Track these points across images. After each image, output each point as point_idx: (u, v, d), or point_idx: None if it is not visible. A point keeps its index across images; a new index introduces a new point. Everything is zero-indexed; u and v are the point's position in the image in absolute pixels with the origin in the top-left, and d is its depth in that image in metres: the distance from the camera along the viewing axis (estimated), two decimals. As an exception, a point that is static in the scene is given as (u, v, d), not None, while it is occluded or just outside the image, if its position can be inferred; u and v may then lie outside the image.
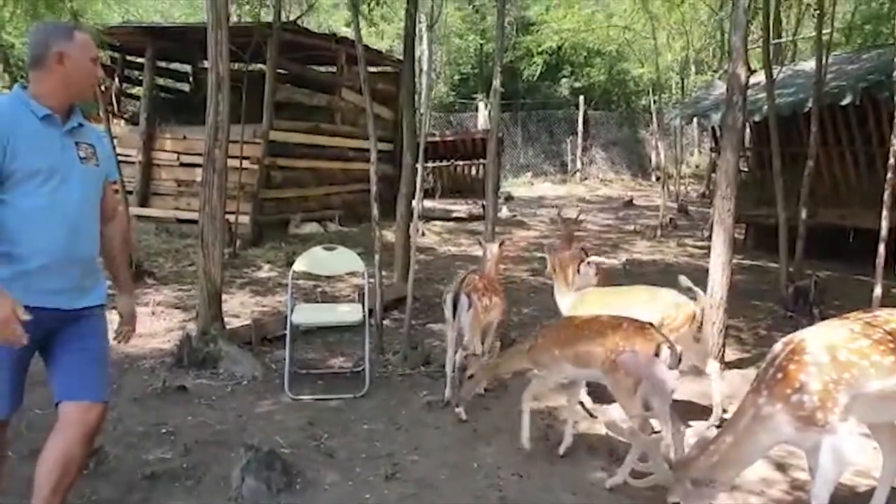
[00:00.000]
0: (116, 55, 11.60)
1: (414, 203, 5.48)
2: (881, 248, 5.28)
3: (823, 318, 6.39)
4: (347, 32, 13.88)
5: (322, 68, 12.46)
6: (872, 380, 2.69)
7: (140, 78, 11.67)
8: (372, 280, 5.28)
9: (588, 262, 4.94)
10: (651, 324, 3.63)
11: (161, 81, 12.60)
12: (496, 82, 5.54)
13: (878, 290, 5.24)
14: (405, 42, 7.04)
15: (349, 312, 4.83)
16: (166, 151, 10.45)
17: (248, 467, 3.25)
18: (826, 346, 2.74)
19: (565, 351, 3.58)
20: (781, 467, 3.69)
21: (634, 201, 16.74)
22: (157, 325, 5.94)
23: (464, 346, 4.22)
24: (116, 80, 11.53)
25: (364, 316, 4.64)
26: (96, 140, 2.62)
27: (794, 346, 2.78)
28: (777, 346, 2.85)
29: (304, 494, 3.26)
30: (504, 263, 6.55)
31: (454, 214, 12.58)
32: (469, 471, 3.53)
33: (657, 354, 3.36)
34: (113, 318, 2.78)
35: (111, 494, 3.20)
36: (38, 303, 2.37)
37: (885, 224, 5.34)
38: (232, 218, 8.65)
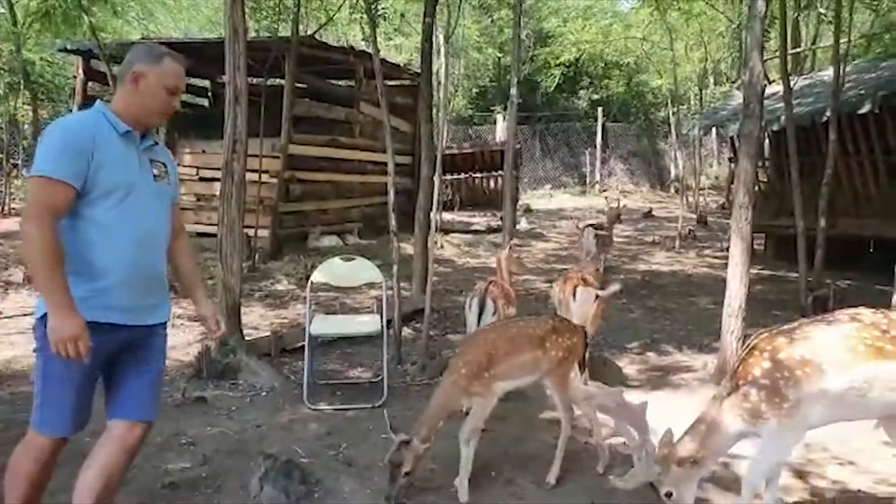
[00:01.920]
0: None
1: (432, 215, 5.51)
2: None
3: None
4: (366, 46, 14.02)
5: (341, 82, 12.58)
6: (827, 378, 2.70)
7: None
8: (390, 291, 5.31)
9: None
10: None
11: (183, 97, 12.77)
12: (513, 91, 5.58)
13: None
14: (422, 54, 7.11)
15: (367, 323, 4.86)
16: (185, 166, 10.55)
17: (266, 476, 3.27)
18: (782, 342, 2.79)
19: (498, 369, 3.43)
20: (801, 475, 3.65)
21: (654, 213, 16.66)
22: (178, 337, 6.00)
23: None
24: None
25: (382, 326, 4.66)
26: (167, 160, 2.66)
27: (756, 341, 2.87)
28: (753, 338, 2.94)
29: (322, 503, 3.28)
30: (518, 273, 6.53)
31: (473, 227, 12.61)
32: (486, 480, 3.52)
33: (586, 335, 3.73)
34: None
35: (132, 502, 3.23)
36: (112, 319, 2.42)
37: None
38: (251, 231, 8.76)
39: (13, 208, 13.62)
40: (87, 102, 10.47)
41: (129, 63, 2.48)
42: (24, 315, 6.47)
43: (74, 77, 11.99)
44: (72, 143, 2.33)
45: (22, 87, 14.82)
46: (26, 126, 15.41)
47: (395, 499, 3.19)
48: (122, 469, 2.55)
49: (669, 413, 3.64)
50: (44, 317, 2.32)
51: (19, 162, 15.87)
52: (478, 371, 3.37)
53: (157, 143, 2.62)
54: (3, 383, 4.84)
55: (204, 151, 10.35)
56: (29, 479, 2.47)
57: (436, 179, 5.39)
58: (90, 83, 11.23)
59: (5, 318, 6.53)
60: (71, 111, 11.70)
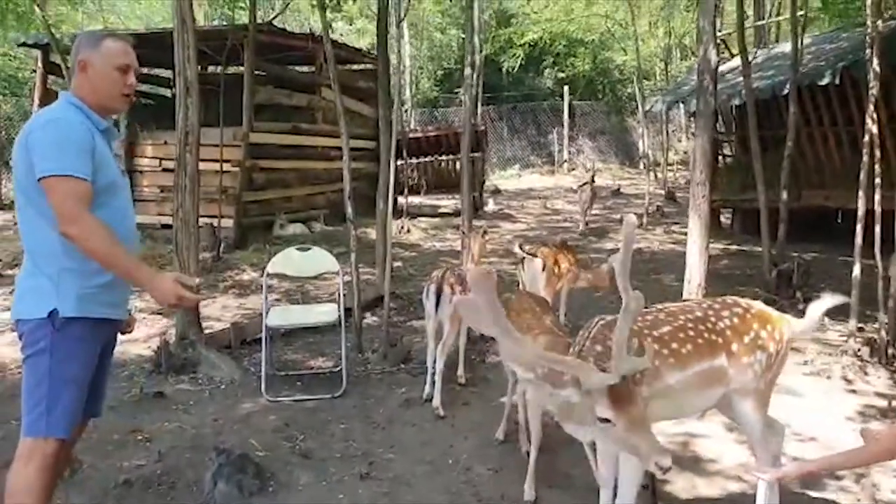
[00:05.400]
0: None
1: (390, 199, 5.45)
2: (858, 227, 5.28)
3: (807, 301, 6.49)
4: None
5: (302, 68, 12.40)
6: (672, 370, 2.53)
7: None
8: (348, 279, 5.26)
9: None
10: None
11: (144, 88, 12.52)
12: (468, 71, 5.52)
13: (857, 270, 5.24)
14: (378, 36, 6.99)
15: (325, 313, 4.81)
16: (148, 158, 10.40)
17: (219, 471, 3.24)
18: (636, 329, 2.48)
19: None
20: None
21: (622, 190, 16.72)
22: (139, 331, 5.87)
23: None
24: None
25: (340, 316, 4.61)
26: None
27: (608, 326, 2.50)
28: (593, 323, 2.59)
29: (276, 497, 3.25)
30: (485, 256, 6.53)
31: (440, 210, 12.54)
32: (444, 467, 3.52)
33: None
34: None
35: (84, 502, 3.19)
36: (112, 315, 2.47)
37: (861, 204, 5.34)
38: (215, 222, 8.64)
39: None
40: (47, 96, 10.23)
41: (74, 54, 2.47)
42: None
43: (34, 71, 11.69)
44: (78, 140, 2.30)
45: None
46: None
47: None
48: None
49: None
50: (51, 314, 2.31)
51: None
52: None
53: (118, 134, 2.60)
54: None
55: (166, 142, 10.12)
56: (43, 493, 2.36)
57: (392, 163, 5.31)
58: (50, 77, 10.94)
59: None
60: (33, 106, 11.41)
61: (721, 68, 10.73)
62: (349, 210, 5.32)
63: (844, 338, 5.23)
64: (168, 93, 13.30)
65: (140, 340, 5.61)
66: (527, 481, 3.22)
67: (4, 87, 15.68)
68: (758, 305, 2.88)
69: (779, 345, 2.75)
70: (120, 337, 2.87)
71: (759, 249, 8.16)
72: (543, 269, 5.14)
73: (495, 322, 2.15)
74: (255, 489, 3.23)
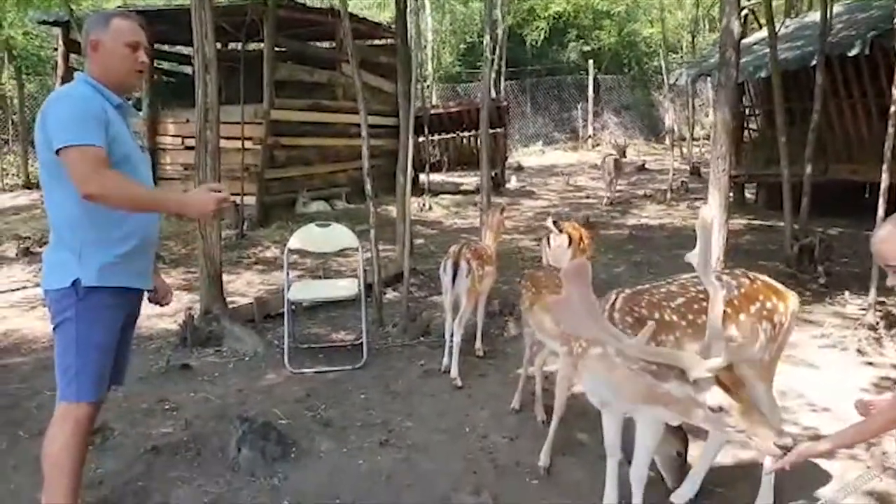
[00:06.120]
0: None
1: (409, 175, 5.49)
2: (881, 201, 5.21)
3: (828, 275, 6.44)
4: (350, 6, 13.75)
5: (324, 44, 12.39)
6: (691, 341, 2.51)
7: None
8: (368, 254, 5.34)
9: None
10: None
11: (165, 65, 12.61)
12: (486, 39, 5.49)
13: (877, 246, 5.17)
14: (397, 10, 6.95)
15: (345, 287, 4.91)
16: (170, 136, 10.53)
17: (243, 438, 3.35)
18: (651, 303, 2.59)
19: None
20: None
21: (647, 166, 16.55)
22: (166, 306, 6.03)
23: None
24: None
25: (360, 290, 4.70)
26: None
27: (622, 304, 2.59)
28: (612, 295, 2.64)
29: (298, 462, 3.36)
30: (507, 232, 6.55)
31: (462, 187, 12.55)
32: (461, 435, 3.60)
33: None
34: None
35: (115, 467, 3.32)
36: (135, 284, 2.55)
37: (885, 177, 5.27)
38: (238, 199, 8.74)
39: (7, 184, 13.59)
40: (69, 74, 10.36)
41: (85, 35, 2.53)
42: (14, 290, 6.53)
43: (55, 49, 11.82)
44: (91, 112, 2.37)
45: (6, 62, 14.66)
46: (15, 101, 15.28)
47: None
48: None
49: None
50: (74, 284, 2.41)
51: (10, 137, 15.74)
52: None
53: (138, 111, 2.67)
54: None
55: (188, 121, 10.21)
56: (77, 455, 2.51)
57: (410, 139, 5.35)
58: (72, 55, 11.07)
59: (-1, 292, 6.57)
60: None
61: (748, 39, 10.59)
62: (368, 187, 5.38)
63: (863, 311, 5.20)
64: (189, 70, 13.42)
65: (167, 315, 5.73)
66: (543, 448, 3.28)
67: (27, 66, 15.85)
68: (763, 277, 2.89)
69: (783, 317, 2.76)
70: (148, 311, 2.98)
71: (783, 224, 8.09)
72: (569, 245, 5.10)
73: (594, 320, 2.10)
74: (277, 455, 3.34)
